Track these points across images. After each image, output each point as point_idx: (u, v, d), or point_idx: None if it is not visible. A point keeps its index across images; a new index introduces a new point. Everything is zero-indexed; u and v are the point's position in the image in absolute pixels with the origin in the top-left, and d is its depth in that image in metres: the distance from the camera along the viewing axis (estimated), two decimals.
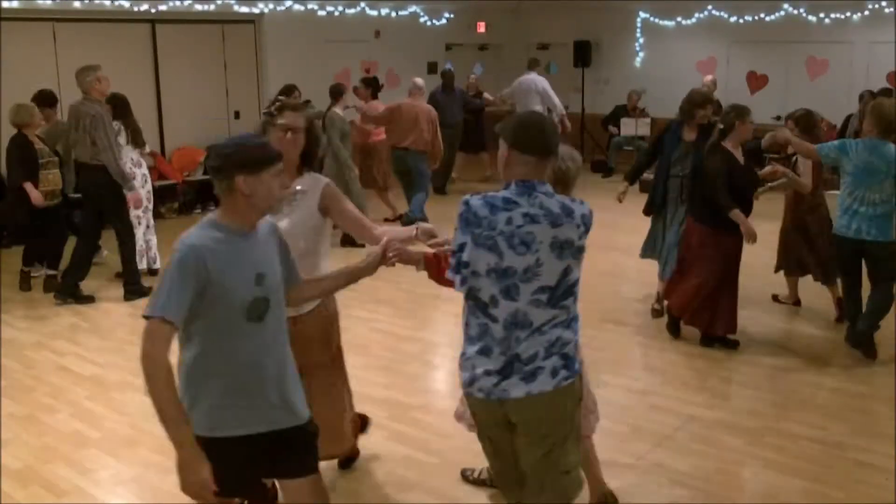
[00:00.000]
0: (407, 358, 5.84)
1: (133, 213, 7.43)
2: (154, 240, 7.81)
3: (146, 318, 2.58)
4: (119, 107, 7.47)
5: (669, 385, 5.28)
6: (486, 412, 2.88)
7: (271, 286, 2.78)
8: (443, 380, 5.59)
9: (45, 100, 7.89)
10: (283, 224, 3.32)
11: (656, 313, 6.52)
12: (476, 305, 2.78)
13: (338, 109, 8.97)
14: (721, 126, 5.61)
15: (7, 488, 4.06)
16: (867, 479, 4.10)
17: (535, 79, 11.91)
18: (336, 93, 9.09)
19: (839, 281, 6.00)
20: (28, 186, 7.09)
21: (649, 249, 6.67)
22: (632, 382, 5.27)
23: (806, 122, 6.20)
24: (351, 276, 3.11)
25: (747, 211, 5.54)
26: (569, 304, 2.79)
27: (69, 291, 7.13)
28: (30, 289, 7.46)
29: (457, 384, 3.37)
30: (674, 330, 6.05)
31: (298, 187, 3.48)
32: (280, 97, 3.46)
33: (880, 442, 4.46)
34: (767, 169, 6.20)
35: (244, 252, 2.73)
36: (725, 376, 5.42)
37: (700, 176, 5.71)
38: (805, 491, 4.00)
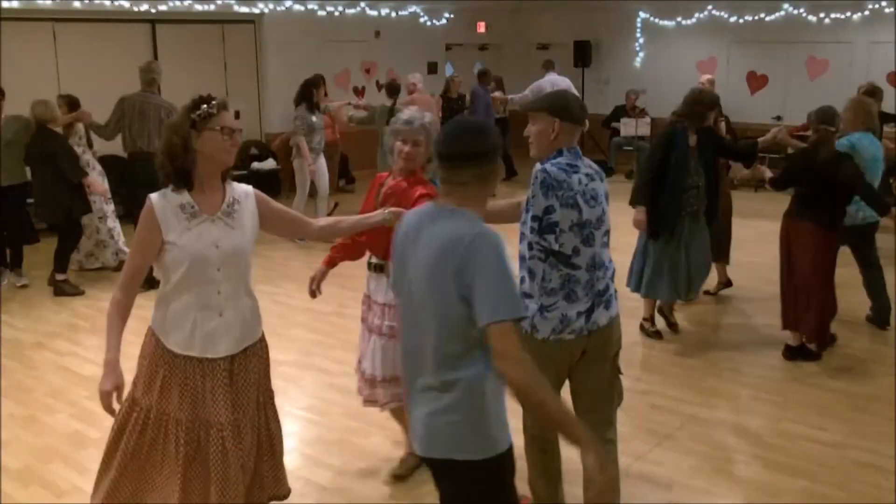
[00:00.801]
0: None
1: (100, 205, 7.57)
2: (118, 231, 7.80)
3: (497, 322, 2.20)
4: (76, 107, 7.54)
5: (669, 385, 5.28)
6: (565, 351, 3.19)
7: None
8: None
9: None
10: (237, 239, 2.95)
11: (674, 328, 6.16)
12: (557, 260, 3.11)
13: (399, 106, 9.12)
14: (833, 129, 5.32)
15: (7, 488, 4.06)
16: (867, 479, 4.10)
17: (562, 79, 12.07)
18: (393, 89, 9.32)
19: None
20: (89, 180, 7.04)
21: (658, 284, 5.79)
22: (632, 382, 5.25)
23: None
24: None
25: (843, 216, 5.46)
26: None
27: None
28: (70, 293, 7.20)
29: None
30: (806, 356, 5.63)
31: (236, 197, 3.00)
32: (204, 95, 2.89)
33: (880, 442, 4.46)
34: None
35: None
36: (725, 376, 5.42)
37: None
38: (805, 491, 4.00)
